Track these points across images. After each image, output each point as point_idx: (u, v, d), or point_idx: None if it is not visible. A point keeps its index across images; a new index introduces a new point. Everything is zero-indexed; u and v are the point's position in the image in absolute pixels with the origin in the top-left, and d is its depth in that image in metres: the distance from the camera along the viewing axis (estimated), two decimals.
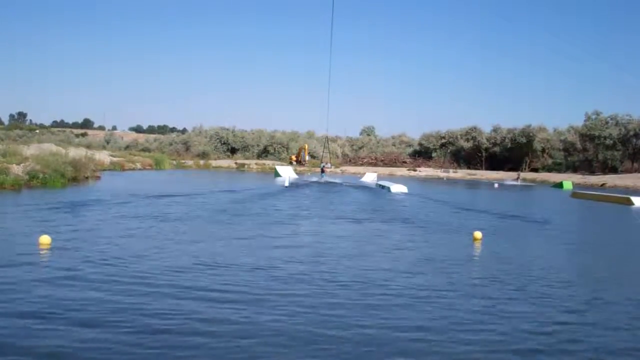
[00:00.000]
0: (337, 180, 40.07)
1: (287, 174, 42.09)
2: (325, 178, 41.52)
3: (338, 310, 6.47)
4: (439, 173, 63.31)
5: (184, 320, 5.87)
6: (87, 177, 28.04)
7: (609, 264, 10.59)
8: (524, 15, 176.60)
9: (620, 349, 5.57)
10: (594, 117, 68.72)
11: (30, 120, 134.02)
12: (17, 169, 22.57)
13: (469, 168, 71.84)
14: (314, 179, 41.97)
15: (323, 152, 65.50)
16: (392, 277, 8.29)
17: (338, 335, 5.60)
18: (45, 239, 9.78)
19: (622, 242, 14.28)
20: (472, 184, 47.62)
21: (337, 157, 77.22)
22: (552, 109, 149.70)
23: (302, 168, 61.11)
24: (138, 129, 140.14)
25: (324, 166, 45.17)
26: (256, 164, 66.75)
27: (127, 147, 79.31)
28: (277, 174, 45.20)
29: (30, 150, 30.89)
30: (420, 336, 5.67)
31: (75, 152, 35.23)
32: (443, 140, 79.86)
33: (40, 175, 22.99)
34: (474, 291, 7.62)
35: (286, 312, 6.30)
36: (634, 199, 26.27)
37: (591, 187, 45.42)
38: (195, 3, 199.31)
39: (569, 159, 71.05)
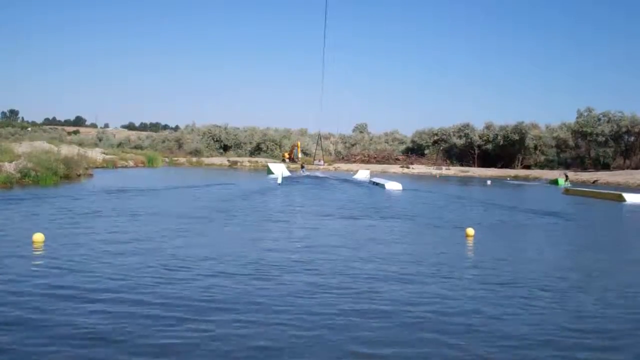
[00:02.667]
0: (321, 175, 42.86)
1: (279, 171, 42.17)
2: (307, 172, 48.45)
3: (324, 310, 6.48)
4: (432, 170, 63.37)
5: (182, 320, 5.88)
6: (79, 175, 27.88)
7: (601, 259, 10.63)
8: (517, 13, 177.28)
9: (622, 353, 5.46)
10: (586, 114, 69.06)
11: (22, 117, 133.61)
12: (9, 167, 22.42)
13: (461, 165, 72.03)
14: (306, 173, 45.84)
15: (316, 149, 65.55)
16: (381, 278, 8.27)
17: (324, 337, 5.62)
18: (38, 237, 9.74)
19: (616, 238, 14.38)
20: (465, 181, 47.78)
21: (330, 154, 77.28)
22: (544, 106, 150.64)
23: (294, 165, 61.11)
24: (130, 127, 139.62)
25: (303, 163, 51.19)
26: (249, 161, 66.67)
27: (119, 145, 79.01)
28: (269, 172, 45.19)
29: (22, 148, 30.73)
30: (413, 341, 5.67)
31: (67, 150, 35.04)
32: (435, 138, 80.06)
33: (33, 173, 22.84)
34: (465, 292, 7.57)
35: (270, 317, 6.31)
36: (625, 195, 26.48)
37: (583, 183, 45.63)
38: (187, 1, 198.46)
39: (561, 155, 71.40)
